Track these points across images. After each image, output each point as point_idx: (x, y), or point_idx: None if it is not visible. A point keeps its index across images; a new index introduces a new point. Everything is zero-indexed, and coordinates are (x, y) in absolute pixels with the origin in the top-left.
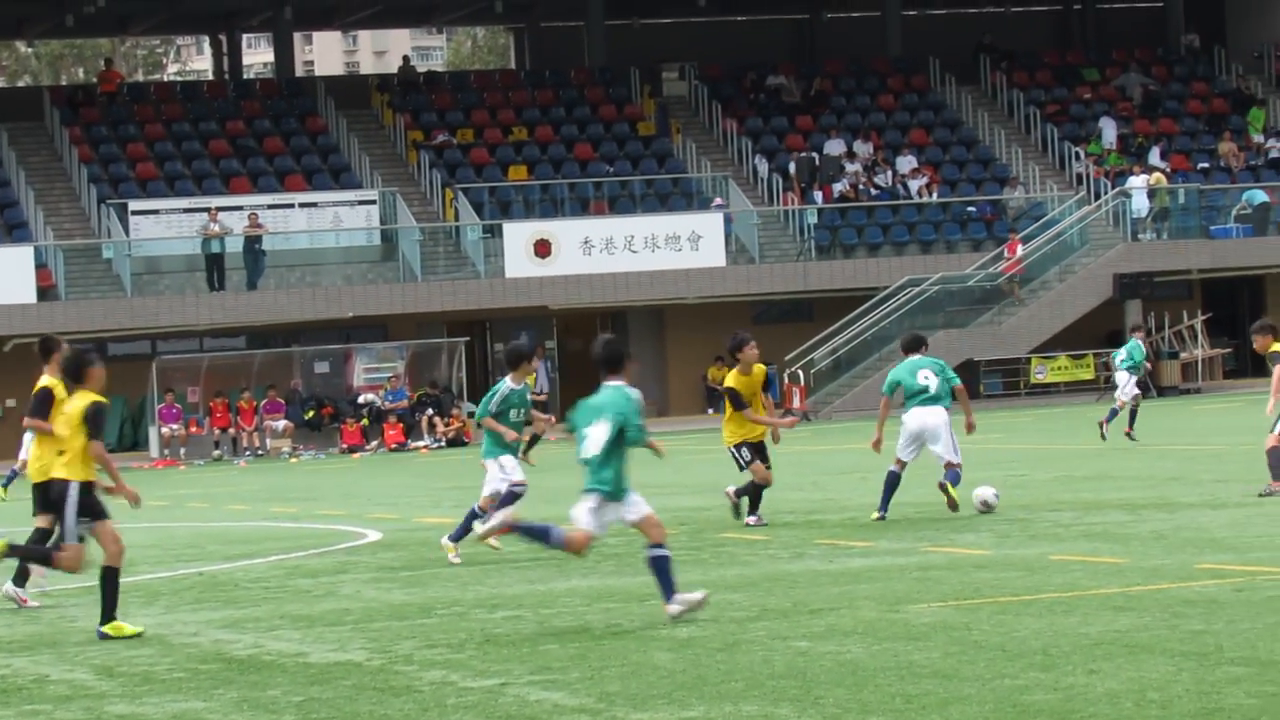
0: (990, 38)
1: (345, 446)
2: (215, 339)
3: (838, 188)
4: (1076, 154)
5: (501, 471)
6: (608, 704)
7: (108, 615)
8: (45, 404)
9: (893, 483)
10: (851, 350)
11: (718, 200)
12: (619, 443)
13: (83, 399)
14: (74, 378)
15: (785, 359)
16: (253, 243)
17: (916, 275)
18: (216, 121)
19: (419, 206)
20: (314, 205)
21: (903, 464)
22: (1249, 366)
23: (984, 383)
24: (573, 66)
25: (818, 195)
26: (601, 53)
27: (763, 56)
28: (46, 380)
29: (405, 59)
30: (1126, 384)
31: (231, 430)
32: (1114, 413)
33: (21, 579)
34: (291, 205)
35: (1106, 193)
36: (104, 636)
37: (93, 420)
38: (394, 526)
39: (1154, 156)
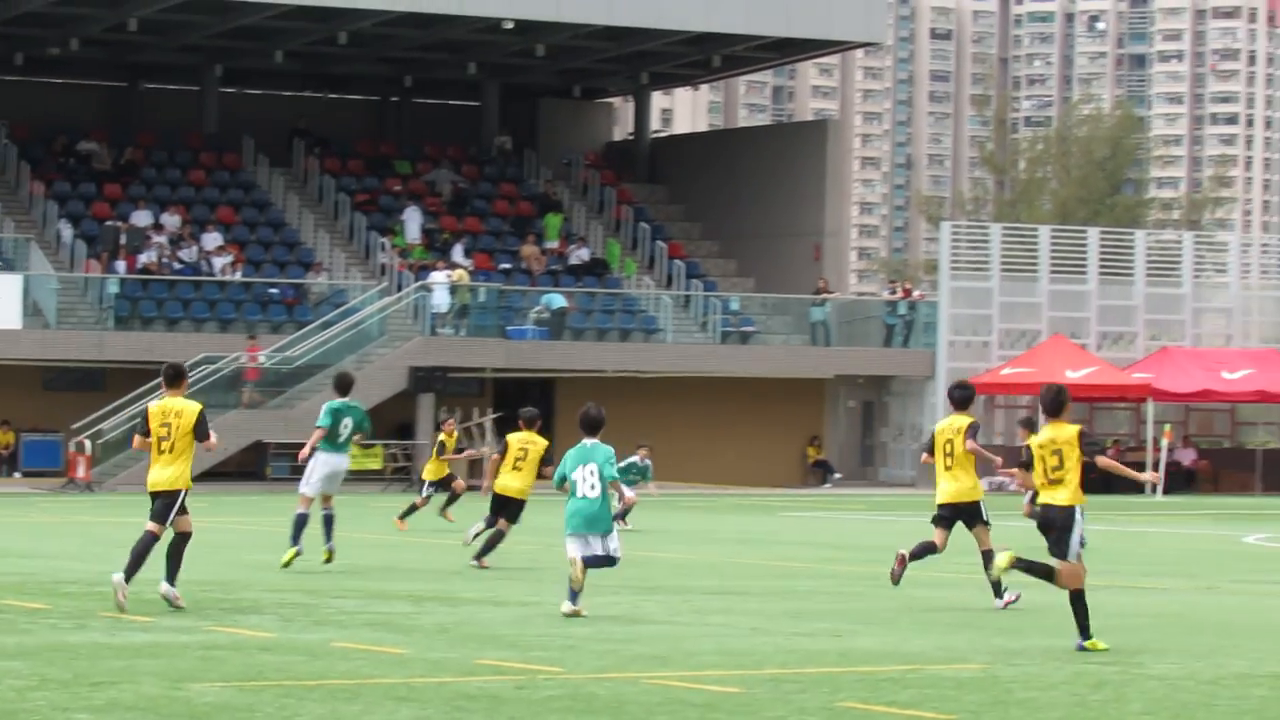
0: (306, 122)
1: None
2: None
3: (142, 259)
4: (382, 245)
5: None
6: None
7: None
8: None
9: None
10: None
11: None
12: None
13: None
14: None
15: (72, 427)
16: None
17: (214, 353)
18: None
19: None
20: None
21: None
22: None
23: (271, 466)
24: None
25: (120, 265)
26: None
27: (77, 121)
28: None
29: None
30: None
31: None
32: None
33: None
34: None
35: (409, 285)
36: None
37: None
38: None
39: (458, 253)
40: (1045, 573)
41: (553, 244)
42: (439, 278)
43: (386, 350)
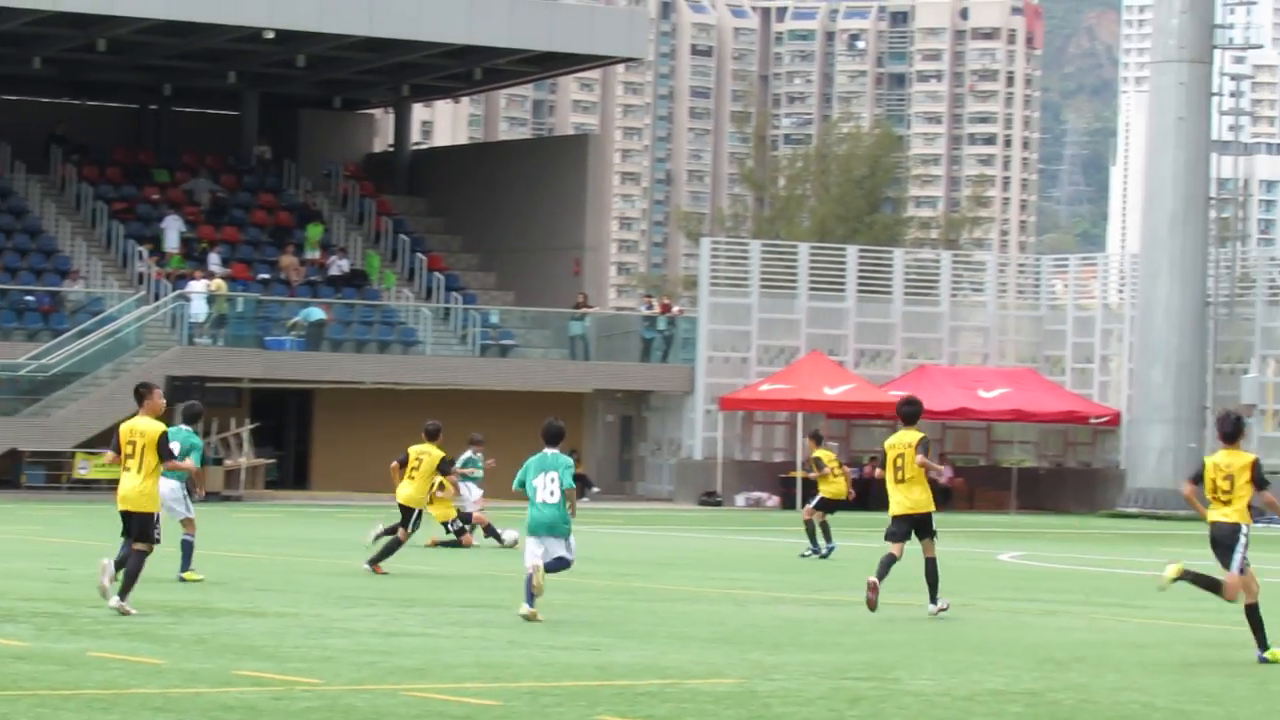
0: (64, 129)
1: None
2: None
3: None
4: (140, 253)
5: None
6: None
7: None
8: None
9: None
10: None
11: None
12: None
13: None
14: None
15: None
16: None
17: None
18: None
19: None
20: None
21: None
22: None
23: (27, 474)
24: None
25: None
26: None
27: None
28: None
29: None
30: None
31: None
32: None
33: None
34: None
35: (166, 294)
36: None
37: None
38: None
39: (215, 263)
40: (1211, 585)
41: (313, 254)
42: (197, 287)
43: (144, 359)
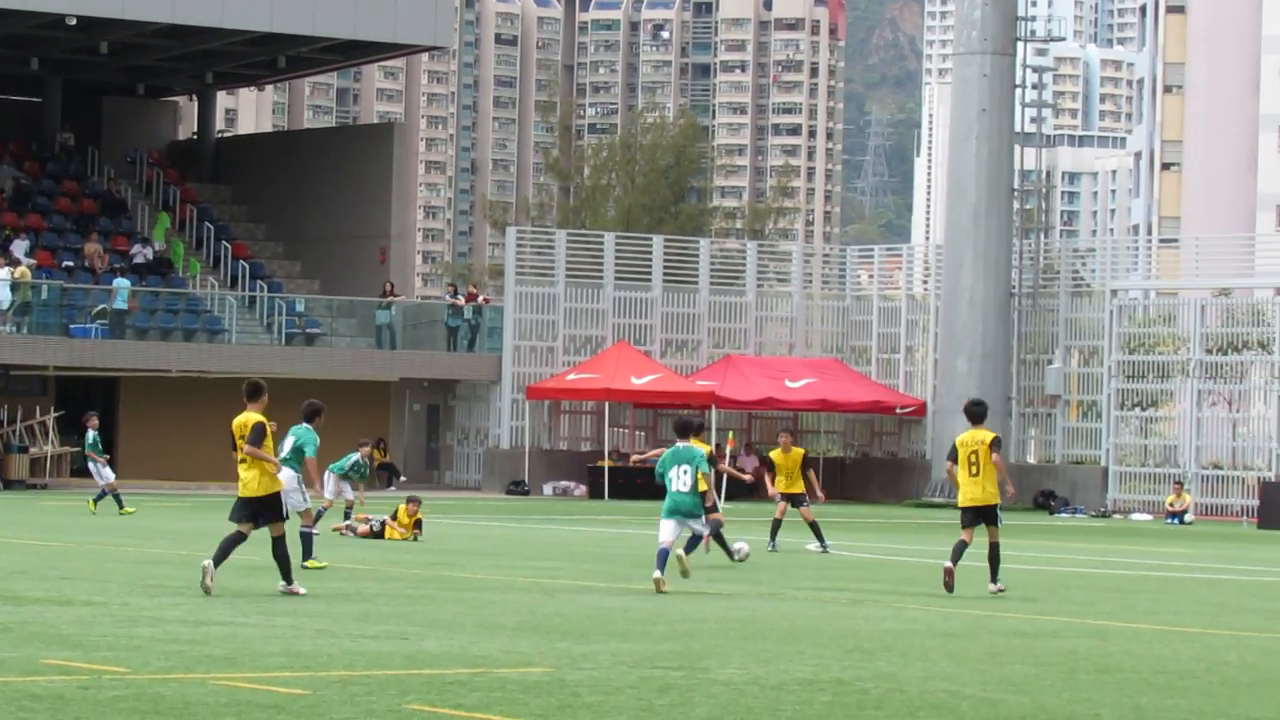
0: None
1: None
2: None
3: None
4: None
5: None
6: None
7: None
8: None
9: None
10: None
11: None
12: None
13: None
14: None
15: None
16: None
17: None
18: None
19: None
20: None
21: None
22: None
23: None
24: None
25: None
26: None
27: None
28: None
29: None
30: (329, 481)
31: None
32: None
33: None
34: None
35: None
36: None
37: None
38: None
39: (20, 250)
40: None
41: (159, 245)
42: (0, 274)
43: None
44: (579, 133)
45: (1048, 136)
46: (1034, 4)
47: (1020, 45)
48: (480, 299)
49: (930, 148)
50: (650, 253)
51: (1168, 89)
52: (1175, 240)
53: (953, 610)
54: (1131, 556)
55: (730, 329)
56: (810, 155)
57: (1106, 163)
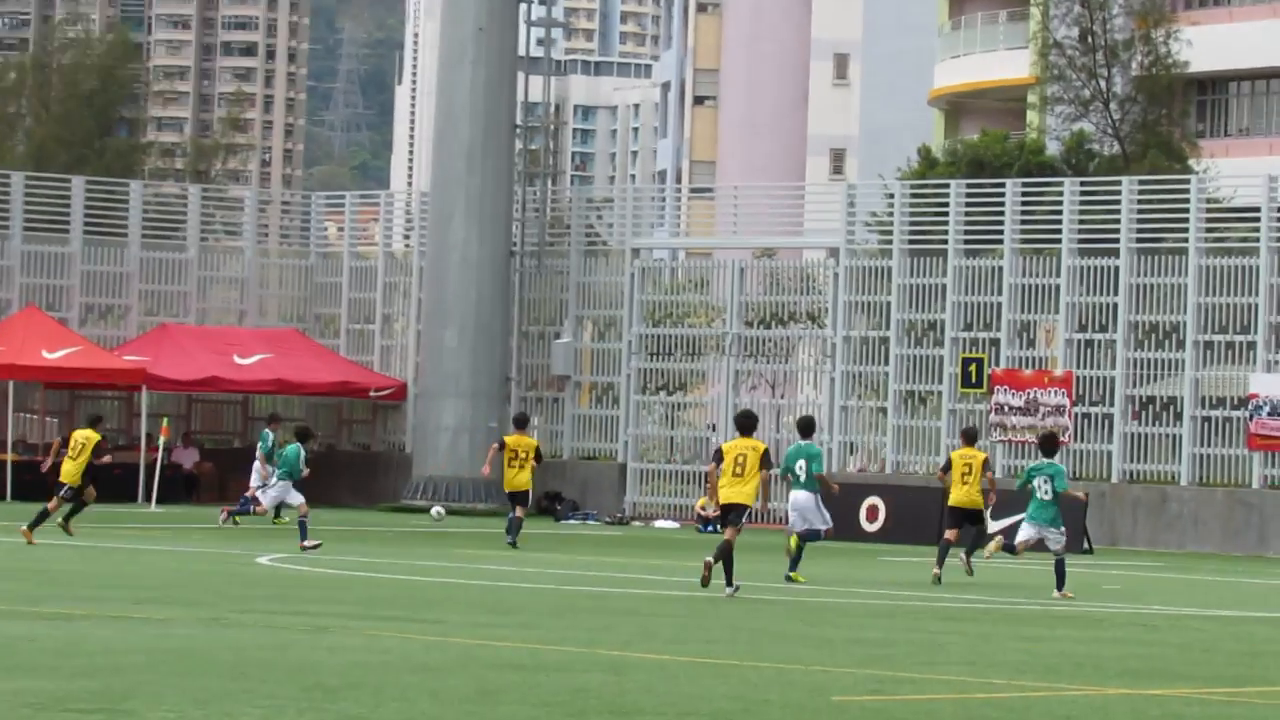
0: None
1: None
2: None
3: None
4: None
5: None
6: None
7: None
8: None
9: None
10: None
11: None
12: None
13: None
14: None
15: None
16: None
17: None
18: None
19: None
20: None
21: None
22: None
23: None
24: None
25: None
26: None
27: None
28: None
29: None
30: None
31: None
32: None
33: None
34: None
35: None
36: None
37: None
38: None
39: None
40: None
41: None
42: None
43: None
44: None
45: (557, 62)
46: None
47: None
48: None
49: (415, 74)
50: (69, 197)
51: (701, 7)
52: (710, 190)
53: (435, 639)
54: (654, 573)
55: (167, 292)
56: (268, 81)
57: (628, 95)
